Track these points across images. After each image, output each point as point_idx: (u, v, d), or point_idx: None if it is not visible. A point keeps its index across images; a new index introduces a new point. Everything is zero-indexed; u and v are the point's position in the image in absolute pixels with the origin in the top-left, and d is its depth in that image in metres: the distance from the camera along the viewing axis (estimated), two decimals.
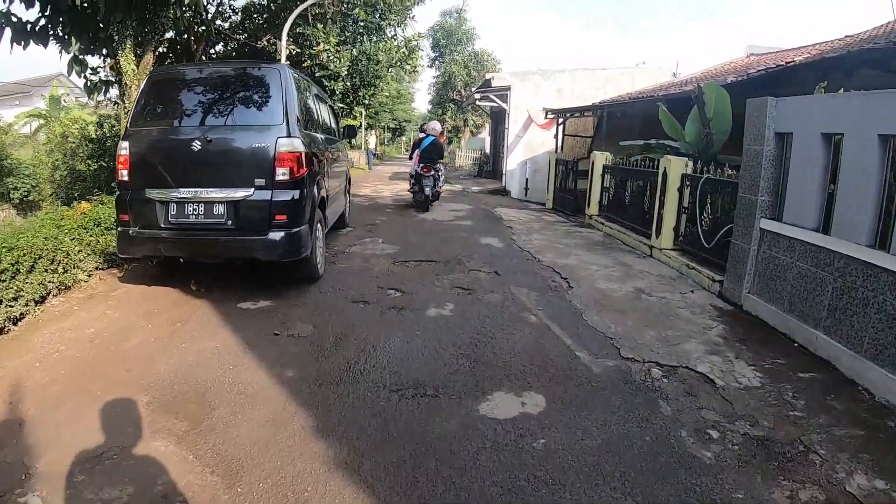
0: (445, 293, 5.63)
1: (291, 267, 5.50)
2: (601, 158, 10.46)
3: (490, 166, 23.38)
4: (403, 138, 58.92)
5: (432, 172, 11.56)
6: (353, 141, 31.70)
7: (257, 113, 5.22)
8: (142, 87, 5.59)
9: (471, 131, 37.81)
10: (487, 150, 26.83)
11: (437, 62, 35.85)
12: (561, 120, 14.05)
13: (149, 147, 5.21)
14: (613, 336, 4.62)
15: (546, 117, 14.76)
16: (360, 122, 30.47)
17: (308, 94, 6.30)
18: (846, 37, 10.73)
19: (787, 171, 5.19)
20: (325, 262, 6.29)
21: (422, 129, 12.63)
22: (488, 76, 17.66)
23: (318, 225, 5.96)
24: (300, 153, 5.09)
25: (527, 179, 16.60)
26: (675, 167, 7.48)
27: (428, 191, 11.56)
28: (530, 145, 16.77)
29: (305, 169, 5.18)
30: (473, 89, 19.32)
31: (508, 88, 16.63)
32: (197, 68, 5.75)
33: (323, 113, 7.35)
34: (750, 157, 5.62)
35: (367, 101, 16.82)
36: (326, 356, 4.07)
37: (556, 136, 14.25)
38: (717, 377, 3.94)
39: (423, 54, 22.82)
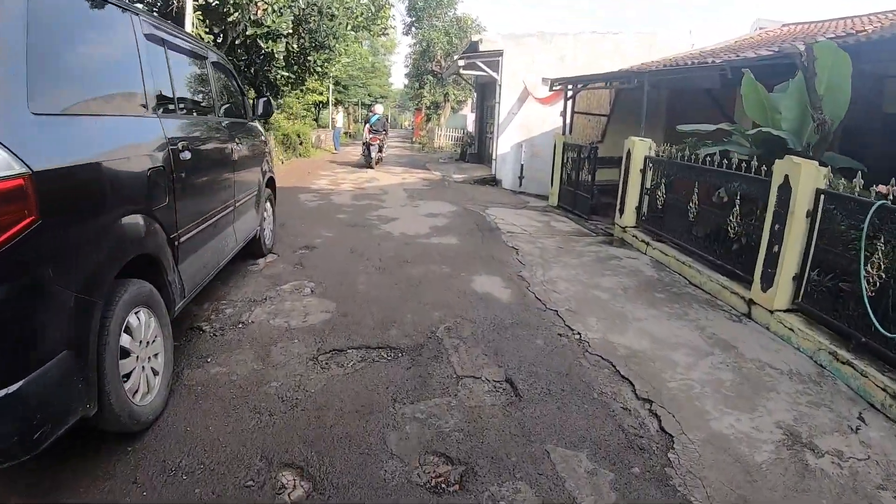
0: (412, 493, 2.49)
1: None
2: (641, 147, 7.32)
3: (475, 148, 20.02)
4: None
5: (378, 141, 16.33)
6: (318, 119, 28.03)
7: None
8: None
9: (452, 107, 34.13)
10: (471, 129, 23.45)
11: (413, 28, 31.85)
12: (570, 93, 10.84)
13: None
14: None
15: (551, 89, 11.50)
16: (328, 98, 26.85)
17: (126, 35, 3.01)
18: None
19: None
20: (170, 379, 3.11)
21: (370, 110, 18.64)
22: (475, 38, 14.23)
23: (137, 316, 2.77)
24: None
25: (522, 166, 13.42)
26: (807, 178, 4.41)
27: (374, 154, 16.28)
28: (527, 124, 13.52)
29: (33, 217, 1.97)
30: (457, 56, 15.99)
31: (500, 54, 13.29)
32: None
33: (195, 79, 4.11)
34: None
35: (319, 69, 13.24)
36: None
37: (563, 114, 11.04)
38: None
39: (394, 13, 19.33)
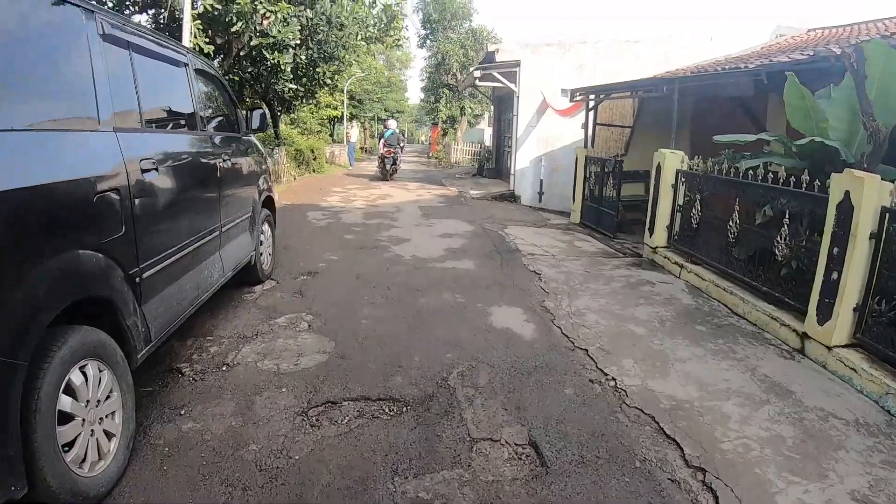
0: None
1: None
2: (673, 160, 6.74)
3: (493, 163, 19.50)
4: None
5: (392, 154, 17.13)
6: (334, 134, 27.71)
7: None
8: None
9: (468, 121, 33.66)
10: (488, 144, 22.97)
11: (428, 41, 31.52)
12: (592, 104, 10.29)
13: None
14: None
15: (572, 99, 10.96)
16: (343, 113, 26.56)
17: (73, 36, 2.52)
18: None
19: None
20: (130, 440, 2.60)
21: (384, 125, 18.89)
22: (491, 48, 13.75)
23: (83, 371, 2.28)
24: None
25: (541, 181, 12.87)
26: (871, 194, 3.83)
27: (388, 166, 17.19)
28: (546, 137, 13.00)
29: None
30: (473, 67, 15.57)
31: (517, 64, 12.81)
32: None
33: (171, 88, 3.66)
34: None
35: (329, 81, 12.80)
36: None
37: (584, 126, 10.49)
38: None
39: (407, 24, 19.03)
